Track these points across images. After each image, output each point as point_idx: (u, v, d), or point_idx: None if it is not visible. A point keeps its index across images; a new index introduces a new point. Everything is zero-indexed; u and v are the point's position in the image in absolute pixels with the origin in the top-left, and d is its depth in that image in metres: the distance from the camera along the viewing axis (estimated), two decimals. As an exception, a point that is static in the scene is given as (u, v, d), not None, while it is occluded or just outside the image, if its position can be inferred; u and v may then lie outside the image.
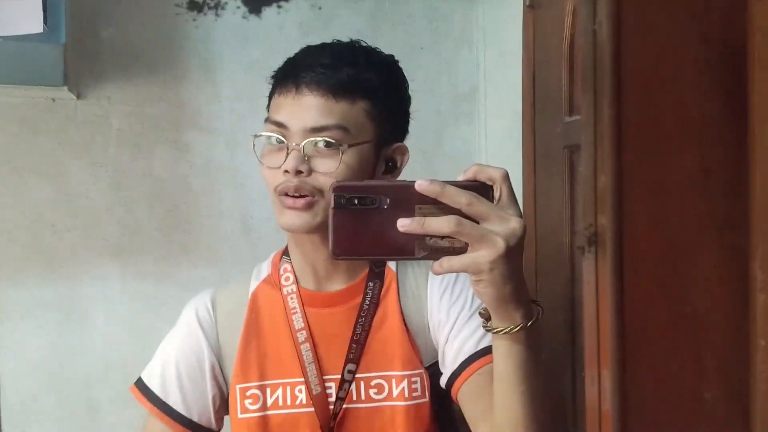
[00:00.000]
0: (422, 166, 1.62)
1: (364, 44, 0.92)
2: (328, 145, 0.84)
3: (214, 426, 0.95)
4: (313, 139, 0.84)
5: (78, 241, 1.33)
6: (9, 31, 0.93)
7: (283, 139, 0.85)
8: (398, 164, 0.95)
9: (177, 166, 1.40)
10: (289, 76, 0.86)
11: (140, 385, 0.96)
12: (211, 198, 1.43)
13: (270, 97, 0.91)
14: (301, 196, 0.84)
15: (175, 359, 0.94)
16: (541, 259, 1.43)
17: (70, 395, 1.34)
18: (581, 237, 0.36)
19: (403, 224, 0.59)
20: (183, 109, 1.40)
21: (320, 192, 0.84)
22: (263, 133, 0.87)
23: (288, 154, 0.84)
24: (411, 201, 0.60)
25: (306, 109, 0.84)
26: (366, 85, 0.87)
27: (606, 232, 0.34)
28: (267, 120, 0.88)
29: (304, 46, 0.92)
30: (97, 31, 1.33)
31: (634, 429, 0.33)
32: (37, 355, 1.32)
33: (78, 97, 1.32)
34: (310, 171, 0.84)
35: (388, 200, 0.61)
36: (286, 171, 0.83)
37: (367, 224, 0.61)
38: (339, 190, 0.62)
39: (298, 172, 0.83)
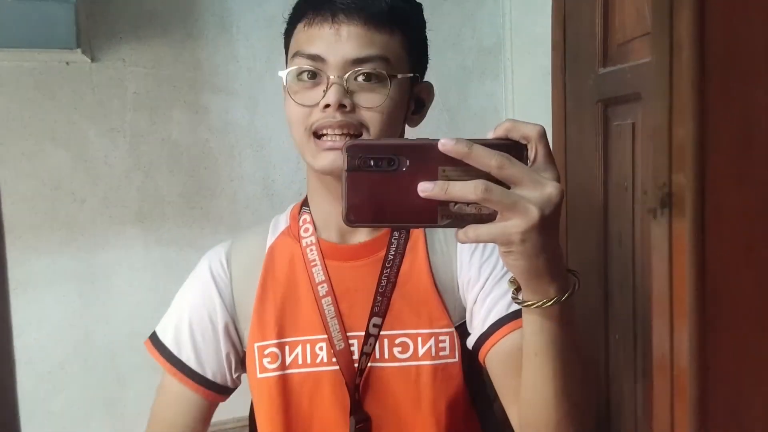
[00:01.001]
0: (447, 124, 1.57)
1: None
2: (369, 77, 0.79)
3: (229, 384, 0.93)
4: (357, 70, 0.78)
5: (98, 208, 1.31)
6: (17, -10, 0.89)
7: (318, 72, 0.79)
8: (425, 104, 0.91)
9: (196, 130, 1.36)
10: (322, 4, 0.79)
11: (154, 339, 0.93)
12: (231, 162, 1.39)
13: (291, 29, 0.85)
14: (342, 134, 0.79)
15: (189, 315, 0.91)
16: (572, 218, 1.39)
17: (96, 363, 1.34)
18: (652, 198, 0.31)
19: (425, 189, 0.53)
20: (200, 69, 1.36)
21: (366, 128, 0.79)
22: (296, 67, 0.80)
23: (328, 88, 0.78)
24: (434, 162, 0.54)
25: (346, 39, 0.78)
26: (403, 15, 0.82)
27: (684, 191, 0.30)
28: (297, 54, 0.81)
29: None
30: (109, -10, 1.28)
31: (715, 389, 0.30)
32: (62, 323, 1.31)
33: (92, 60, 1.28)
34: (354, 106, 0.79)
35: (407, 161, 0.55)
36: (327, 106, 0.78)
37: (383, 188, 0.55)
38: (353, 149, 0.55)
39: (341, 106, 0.77)
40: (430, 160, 0.54)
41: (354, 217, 0.56)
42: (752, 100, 0.28)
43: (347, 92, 0.78)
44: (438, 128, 1.52)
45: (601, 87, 1.24)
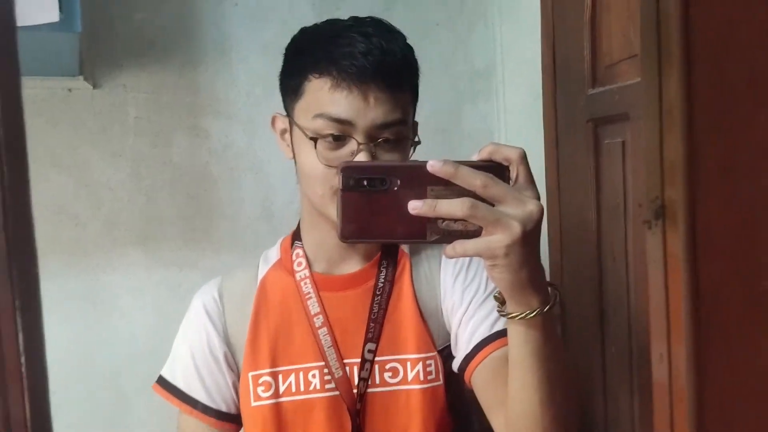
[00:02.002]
0: (441, 146, 1.60)
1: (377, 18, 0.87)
2: (389, 141, 0.82)
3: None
4: (381, 137, 0.81)
5: (101, 231, 1.33)
6: (25, 21, 0.92)
7: (345, 135, 0.81)
8: (416, 139, 0.93)
9: (196, 153, 1.39)
10: (346, 66, 0.79)
11: (163, 382, 0.95)
12: (231, 184, 1.42)
13: (302, 75, 0.84)
14: None
15: (191, 353, 0.94)
16: (566, 235, 1.42)
17: (98, 385, 1.35)
18: (647, 211, 0.34)
19: (414, 207, 0.57)
20: (199, 94, 1.39)
21: None
22: (328, 132, 0.81)
23: (357, 152, 0.80)
24: (423, 182, 0.58)
25: (373, 105, 0.80)
26: (412, 69, 0.85)
27: (676, 205, 0.33)
28: (322, 116, 0.81)
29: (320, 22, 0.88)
30: (110, 19, 1.32)
31: (710, 407, 0.32)
32: (65, 345, 1.32)
33: (94, 86, 1.31)
34: None
35: (398, 181, 0.59)
36: None
37: (376, 206, 0.59)
38: (348, 171, 0.59)
39: None
40: (419, 180, 0.58)
41: (349, 233, 0.60)
42: (738, 118, 0.31)
43: (373, 155, 0.81)
44: (432, 150, 1.54)
45: (590, 107, 1.28)
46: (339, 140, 0.81)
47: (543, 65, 1.45)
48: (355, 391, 0.87)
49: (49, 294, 1.33)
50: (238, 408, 0.93)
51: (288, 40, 0.90)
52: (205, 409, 0.92)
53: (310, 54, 0.84)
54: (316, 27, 0.88)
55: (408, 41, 0.88)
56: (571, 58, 1.35)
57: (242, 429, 0.94)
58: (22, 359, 0.36)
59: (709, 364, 0.32)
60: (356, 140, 0.80)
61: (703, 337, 0.32)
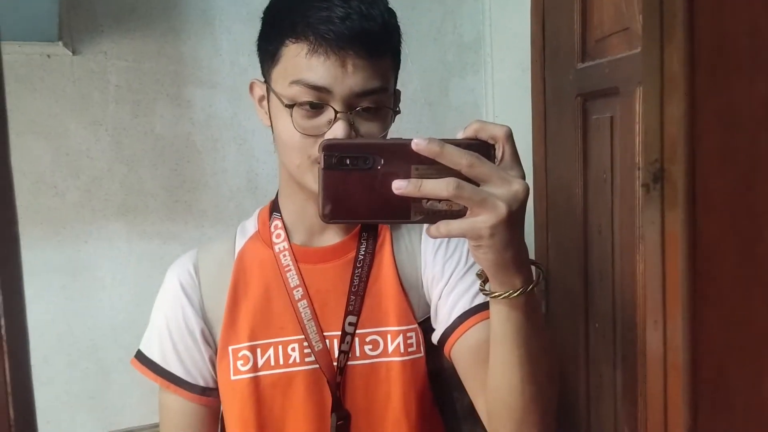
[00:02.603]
0: (428, 118, 1.59)
1: None
2: (369, 110, 0.79)
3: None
4: (359, 105, 0.79)
5: (81, 201, 1.30)
6: (1, -18, 0.89)
7: (323, 103, 0.78)
8: (398, 111, 0.90)
9: (179, 123, 1.36)
10: (324, 32, 0.76)
11: (141, 357, 0.94)
12: (214, 155, 1.39)
13: (279, 41, 0.81)
14: None
15: (167, 328, 0.92)
16: (553, 209, 1.42)
17: (79, 357, 1.33)
18: (646, 173, 0.34)
19: (399, 186, 0.56)
20: (182, 63, 1.36)
21: None
22: (305, 99, 0.78)
23: (334, 121, 0.78)
24: (407, 161, 0.57)
25: (352, 72, 0.77)
26: (393, 36, 0.83)
27: (675, 169, 0.32)
28: (298, 82, 0.78)
29: None
30: (90, -18, 1.28)
31: (704, 378, 0.32)
32: (45, 317, 1.30)
33: (73, 53, 1.28)
34: (356, 136, 0.79)
35: (382, 160, 0.57)
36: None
37: (359, 186, 0.58)
38: (329, 149, 0.58)
39: None
40: (403, 159, 0.57)
41: (330, 213, 0.58)
42: (737, 88, 0.30)
43: (351, 125, 0.78)
44: (419, 122, 1.54)
45: (579, 82, 1.27)
46: (316, 108, 0.79)
47: (532, 38, 1.44)
48: (335, 364, 0.87)
49: (27, 265, 1.31)
50: (216, 382, 0.92)
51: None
52: (184, 384, 0.90)
53: (287, 17, 0.80)
54: None
55: (393, 9, 0.85)
56: (561, 31, 1.33)
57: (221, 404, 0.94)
58: (2, 330, 0.35)
59: (705, 331, 0.32)
60: (333, 108, 0.78)
61: (699, 303, 0.32)
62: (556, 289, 1.42)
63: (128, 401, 1.36)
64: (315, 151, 0.79)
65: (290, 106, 0.79)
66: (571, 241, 1.33)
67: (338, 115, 0.78)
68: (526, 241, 0.63)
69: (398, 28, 0.85)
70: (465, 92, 1.62)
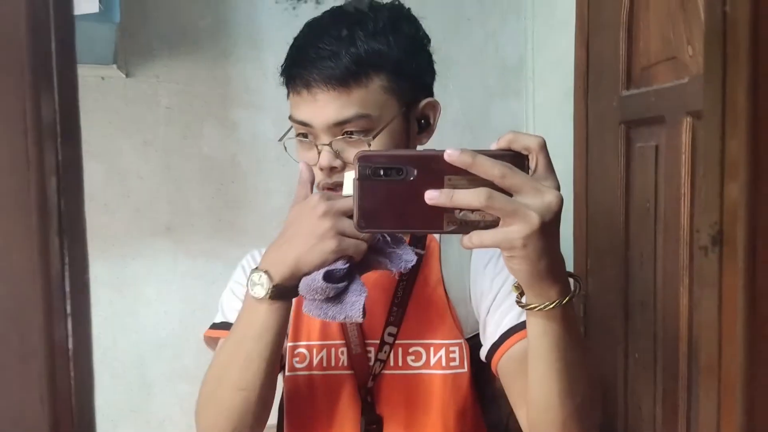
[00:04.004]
0: (469, 141, 1.59)
1: (359, 8, 0.87)
2: (354, 135, 0.82)
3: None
4: (340, 133, 0.82)
5: (130, 219, 1.34)
6: (64, 11, 0.92)
7: (311, 135, 0.84)
8: (431, 120, 0.92)
9: (225, 144, 1.40)
10: (296, 75, 0.84)
11: (212, 326, 0.96)
12: (258, 176, 1.42)
13: (287, 91, 0.89)
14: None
15: (236, 291, 0.95)
16: (593, 237, 1.40)
17: (123, 372, 1.37)
18: (704, 236, 0.34)
19: (431, 197, 0.56)
20: (230, 86, 1.39)
21: None
22: (294, 136, 0.87)
23: (319, 153, 0.83)
24: (440, 171, 0.57)
25: (323, 106, 0.82)
26: (375, 60, 0.83)
27: (735, 231, 0.32)
28: (290, 117, 0.87)
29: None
30: (145, 9, 1.32)
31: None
32: (92, 331, 1.34)
33: (127, 75, 1.32)
34: (344, 165, 0.83)
35: (415, 171, 0.58)
36: (321, 169, 0.83)
37: (393, 196, 0.58)
38: (364, 160, 0.59)
39: (332, 169, 0.82)
40: (436, 169, 0.57)
41: (365, 222, 0.59)
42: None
43: (336, 154, 0.82)
44: (460, 145, 1.54)
45: (624, 109, 1.26)
46: (307, 139, 0.85)
47: (576, 63, 1.44)
48: (370, 370, 0.89)
49: (77, 279, 1.35)
50: None
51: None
52: None
53: (283, 68, 0.89)
54: (301, 30, 0.91)
55: (434, 35, 0.90)
56: (606, 57, 1.33)
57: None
58: (70, 348, 0.37)
59: (761, 397, 0.32)
60: (315, 144, 0.83)
61: (757, 370, 0.32)
62: (595, 317, 1.41)
63: (169, 415, 1.39)
64: (318, 180, 0.84)
65: (283, 138, 0.90)
66: (611, 269, 1.32)
67: (319, 147, 0.83)
68: (568, 267, 0.63)
69: (391, 47, 0.85)
70: (506, 115, 1.62)
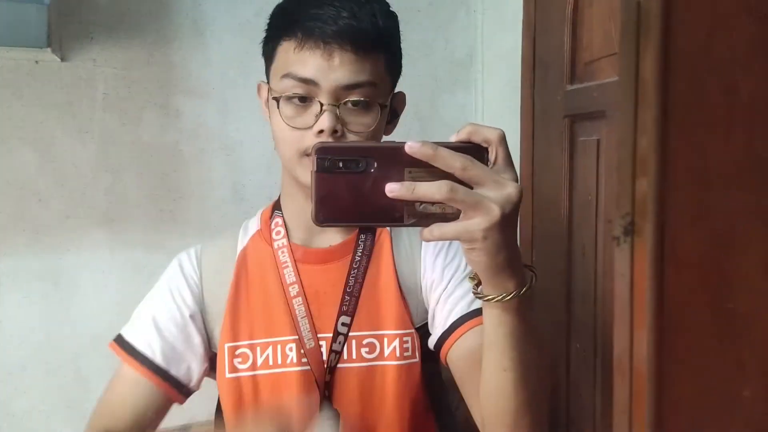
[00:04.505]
0: (417, 133, 1.59)
1: None
2: (358, 103, 0.81)
3: (192, 383, 0.91)
4: (347, 98, 0.80)
5: (65, 209, 1.29)
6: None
7: (310, 96, 0.81)
8: (398, 113, 0.92)
9: (166, 132, 1.36)
10: (312, 28, 0.80)
11: (119, 339, 0.92)
12: (201, 165, 1.39)
13: (275, 40, 0.84)
14: None
15: (157, 311, 0.91)
16: (538, 229, 1.42)
17: (58, 366, 1.32)
18: (617, 226, 0.34)
19: (392, 189, 0.56)
20: (172, 72, 1.35)
21: None
22: (291, 93, 0.81)
23: (321, 113, 0.79)
24: (400, 164, 0.56)
25: (338, 66, 0.79)
26: (386, 36, 0.84)
27: (645, 223, 0.32)
28: (288, 75, 0.81)
29: None
30: (81, -11, 1.27)
31: (669, 430, 0.32)
32: (25, 325, 1.29)
33: (62, 59, 1.27)
34: (344, 131, 0.81)
35: (375, 163, 0.57)
36: (321, 131, 0.79)
37: (352, 189, 0.57)
38: (322, 152, 0.57)
39: (334, 132, 0.79)
40: (396, 162, 0.56)
41: (323, 216, 0.58)
42: (711, 145, 0.30)
43: (338, 118, 0.80)
44: (409, 137, 1.53)
45: (568, 103, 1.27)
46: (305, 102, 0.81)
47: (523, 58, 1.45)
48: (325, 364, 0.87)
49: (9, 272, 1.30)
50: (188, 377, 0.90)
51: (265, 21, 0.88)
52: (153, 366, 0.88)
53: (282, 19, 0.84)
54: None
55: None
56: (552, 52, 1.34)
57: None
58: None
59: (670, 383, 0.32)
60: (320, 102, 0.80)
61: (665, 357, 0.32)
62: (539, 307, 1.43)
63: (107, 411, 1.35)
64: (304, 145, 0.81)
65: (277, 99, 0.82)
66: (555, 260, 1.34)
67: (324, 107, 0.79)
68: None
69: (395, 30, 0.87)
70: (455, 108, 1.63)
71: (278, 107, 0.82)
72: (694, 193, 0.32)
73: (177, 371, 0.89)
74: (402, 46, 0.92)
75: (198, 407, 1.32)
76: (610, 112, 1.11)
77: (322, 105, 0.79)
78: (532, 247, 1.44)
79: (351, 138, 0.81)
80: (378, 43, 0.82)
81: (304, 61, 0.80)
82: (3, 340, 1.27)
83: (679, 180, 0.32)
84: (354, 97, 0.80)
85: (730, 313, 0.32)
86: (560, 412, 1.33)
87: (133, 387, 0.88)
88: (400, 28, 0.92)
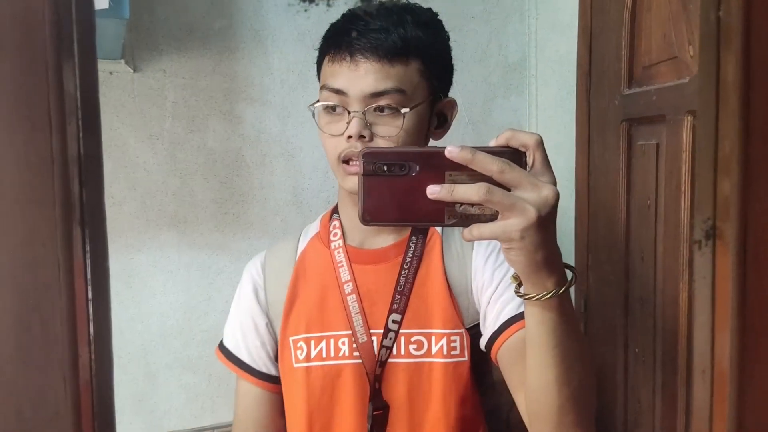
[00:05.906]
0: (471, 138, 1.61)
1: (406, 2, 0.93)
2: (386, 110, 0.85)
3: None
4: (374, 104, 0.85)
5: (136, 212, 1.36)
6: (74, 6, 0.94)
7: (341, 106, 0.87)
8: (448, 119, 0.96)
9: (230, 139, 1.41)
10: (342, 43, 0.87)
11: (221, 345, 1.03)
12: (262, 170, 1.44)
13: (320, 65, 0.92)
14: None
15: (239, 320, 1.01)
16: (594, 234, 1.42)
17: (129, 362, 1.39)
18: (697, 230, 0.35)
19: (433, 191, 0.59)
20: (235, 81, 1.41)
21: None
22: (322, 103, 0.89)
23: (350, 121, 0.85)
24: (441, 167, 0.60)
25: (363, 75, 0.85)
26: (417, 44, 0.88)
27: (726, 226, 0.34)
28: (323, 87, 0.89)
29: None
30: (153, 5, 1.34)
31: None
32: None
33: (134, 70, 1.34)
34: (372, 136, 0.86)
35: (417, 167, 0.60)
36: (350, 137, 0.85)
37: (396, 190, 0.61)
38: (368, 156, 0.61)
39: (361, 137, 0.85)
40: (437, 165, 0.60)
41: (369, 216, 0.62)
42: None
43: (367, 124, 0.86)
44: (462, 141, 1.55)
45: (625, 107, 1.27)
46: (335, 110, 0.88)
47: (578, 62, 1.45)
48: (376, 358, 0.91)
49: (84, 271, 1.37)
50: (277, 371, 1.00)
51: (324, 30, 0.93)
52: (250, 370, 1.00)
53: (325, 39, 0.92)
54: (343, 14, 0.94)
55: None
56: (608, 56, 1.34)
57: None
58: (91, 333, 0.39)
59: (753, 385, 0.33)
60: (348, 110, 0.86)
61: (748, 358, 0.33)
62: (595, 312, 1.43)
63: (174, 405, 1.41)
64: (338, 150, 0.87)
65: (314, 109, 0.90)
66: (612, 265, 1.34)
67: (352, 113, 0.85)
68: (567, 261, 0.66)
69: (432, 38, 0.91)
70: (508, 113, 1.64)
71: (314, 116, 0.90)
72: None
73: (268, 369, 1.01)
74: (455, 52, 0.95)
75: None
76: (671, 115, 1.11)
77: (350, 112, 0.85)
78: (588, 252, 1.44)
79: (379, 143, 0.86)
80: (405, 52, 0.86)
81: (335, 73, 0.87)
82: (79, 336, 1.34)
83: (760, 183, 0.34)
84: (381, 103, 0.85)
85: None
86: (617, 417, 1.32)
87: (254, 398, 1.01)
88: (453, 35, 0.95)
